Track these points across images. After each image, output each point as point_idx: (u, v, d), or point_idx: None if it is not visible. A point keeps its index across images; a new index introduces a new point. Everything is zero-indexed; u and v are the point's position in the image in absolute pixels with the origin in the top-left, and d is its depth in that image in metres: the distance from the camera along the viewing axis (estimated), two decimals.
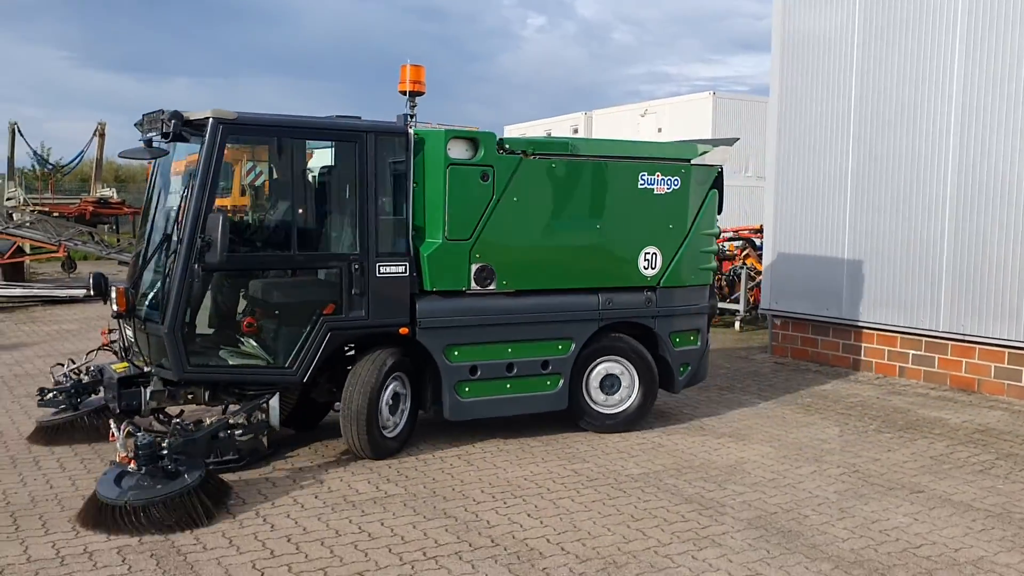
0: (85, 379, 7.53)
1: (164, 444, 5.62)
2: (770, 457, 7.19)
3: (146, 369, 6.68)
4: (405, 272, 6.88)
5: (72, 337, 13.29)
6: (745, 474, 6.74)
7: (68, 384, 7.45)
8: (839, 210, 10.85)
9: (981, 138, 9.35)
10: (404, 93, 7.42)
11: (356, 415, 6.67)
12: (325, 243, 6.98)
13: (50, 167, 33.03)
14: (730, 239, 16.45)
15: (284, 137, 6.78)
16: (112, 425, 5.77)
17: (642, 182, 7.74)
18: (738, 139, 8.74)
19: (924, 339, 10.03)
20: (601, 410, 7.77)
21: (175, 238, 6.48)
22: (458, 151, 7.07)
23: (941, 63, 9.71)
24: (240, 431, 6.39)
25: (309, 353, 6.57)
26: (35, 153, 32.27)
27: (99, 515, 5.33)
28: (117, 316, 6.98)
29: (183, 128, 6.38)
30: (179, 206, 6.65)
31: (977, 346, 9.52)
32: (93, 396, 7.49)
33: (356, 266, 6.67)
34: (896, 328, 10.27)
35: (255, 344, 6.63)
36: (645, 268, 7.82)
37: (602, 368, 7.76)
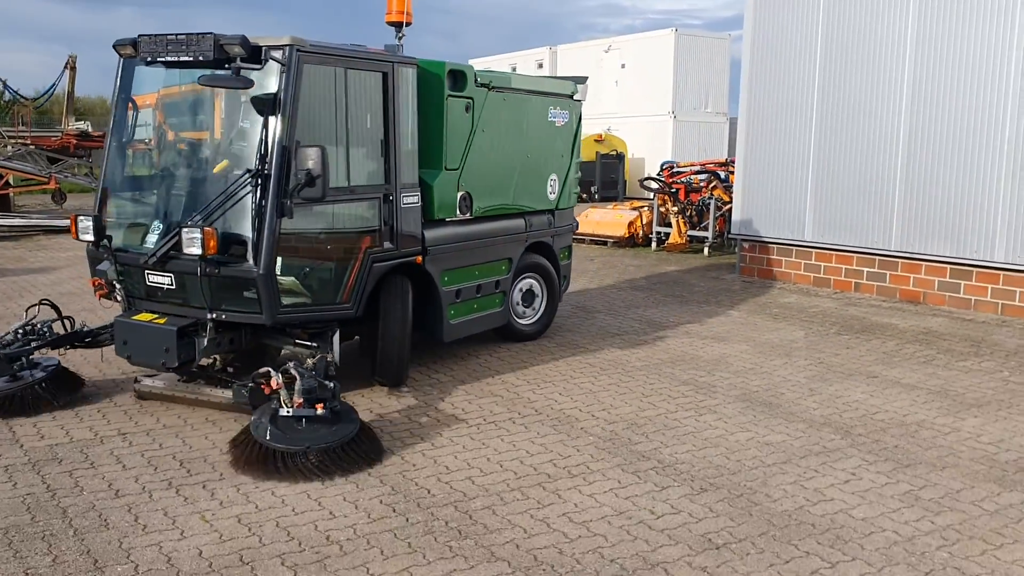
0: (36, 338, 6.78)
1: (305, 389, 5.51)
2: (747, 353, 8.47)
3: (209, 316, 6.12)
4: (419, 202, 7.08)
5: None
6: (728, 364, 8.01)
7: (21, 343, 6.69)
8: (804, 144, 12.06)
9: (931, 80, 10.56)
10: (392, 24, 7.83)
11: (401, 343, 6.94)
12: (366, 175, 6.78)
13: (23, 100, 32.95)
14: (697, 172, 17.66)
15: (348, 68, 6.47)
16: (273, 374, 5.62)
17: (550, 115, 8.61)
18: (587, 77, 9.35)
19: (877, 258, 11.37)
20: (522, 321, 8.71)
21: (244, 173, 6.00)
22: (450, 83, 7.36)
23: (898, 10, 10.86)
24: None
25: (361, 286, 6.57)
26: (5, 86, 32.14)
27: (273, 462, 5.24)
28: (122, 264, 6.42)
29: (242, 55, 5.90)
30: (251, 139, 6.16)
31: (923, 263, 10.87)
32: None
33: (390, 197, 6.77)
34: (852, 248, 11.60)
35: (313, 280, 6.44)
36: (550, 193, 8.71)
37: (523, 284, 8.63)
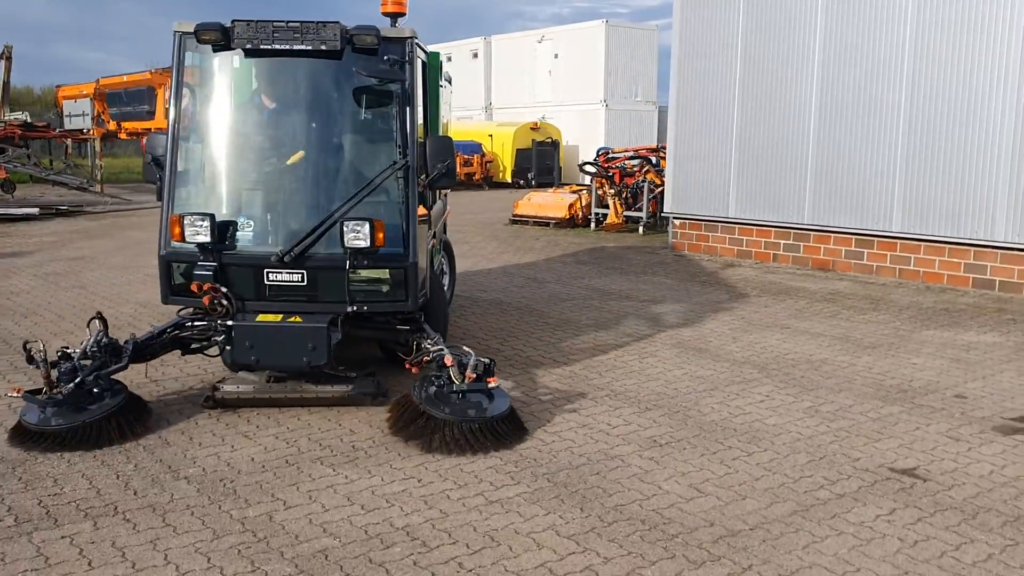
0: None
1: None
2: (679, 311, 9.74)
3: (349, 310, 6.02)
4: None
5: (61, 247, 14.92)
6: (664, 320, 9.26)
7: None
8: (728, 131, 13.38)
9: (837, 67, 11.95)
10: (388, 15, 7.47)
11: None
12: (411, 156, 6.33)
13: None
14: (631, 158, 18.96)
15: (422, 59, 6.55)
16: (446, 352, 5.80)
17: None
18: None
19: (792, 231, 12.77)
20: None
21: (372, 164, 6.14)
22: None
23: (808, 10, 12.23)
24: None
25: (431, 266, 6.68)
26: None
27: (445, 433, 5.48)
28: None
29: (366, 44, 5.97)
30: (382, 128, 6.36)
31: (832, 235, 12.29)
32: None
33: (421, 177, 6.36)
34: (770, 223, 12.98)
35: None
36: None
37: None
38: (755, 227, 13.24)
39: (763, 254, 13.22)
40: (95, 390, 5.69)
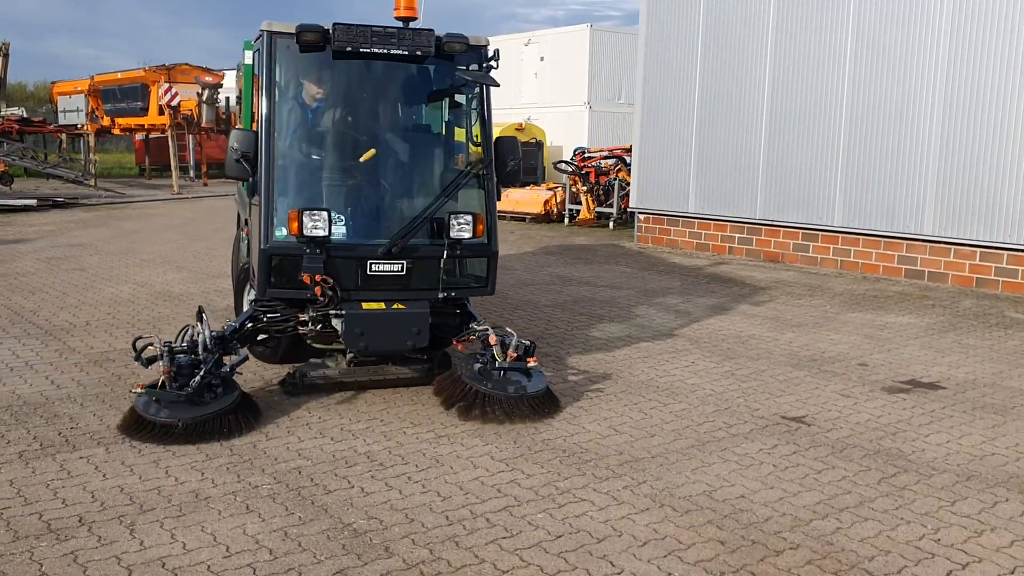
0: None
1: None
2: (632, 296, 10.67)
3: (441, 295, 6.44)
4: None
5: (60, 235, 15.79)
6: (617, 303, 10.19)
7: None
8: (688, 131, 14.32)
9: (787, 69, 12.90)
10: (400, 19, 8.17)
11: None
12: (490, 154, 6.78)
13: None
14: (606, 157, 19.90)
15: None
16: (491, 332, 6.32)
17: None
18: None
19: (745, 225, 13.72)
20: None
21: (478, 163, 6.58)
22: None
23: (759, 15, 13.18)
24: None
25: None
26: None
27: (477, 403, 5.99)
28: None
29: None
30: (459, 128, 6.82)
31: (781, 229, 13.25)
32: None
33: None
34: (726, 218, 13.93)
35: None
36: None
37: None
38: (712, 222, 14.19)
39: (720, 247, 14.16)
40: (213, 384, 5.73)
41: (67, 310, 9.23)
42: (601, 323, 9.10)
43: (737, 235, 13.89)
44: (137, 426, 5.54)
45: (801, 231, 13.00)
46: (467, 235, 6.25)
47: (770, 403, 6.53)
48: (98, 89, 30.95)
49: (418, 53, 6.21)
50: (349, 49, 6.14)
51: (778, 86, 13.03)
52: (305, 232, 5.93)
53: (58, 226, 17.15)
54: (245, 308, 7.13)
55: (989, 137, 10.87)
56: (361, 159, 6.52)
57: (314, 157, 6.67)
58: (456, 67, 6.47)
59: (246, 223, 7.51)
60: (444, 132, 6.94)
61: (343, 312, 6.10)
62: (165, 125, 27.03)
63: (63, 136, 32.29)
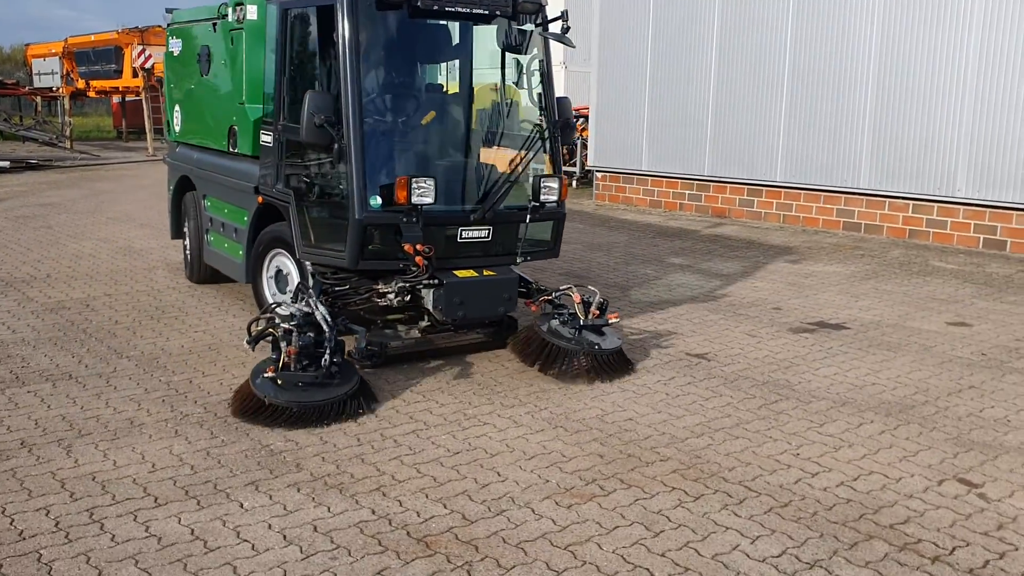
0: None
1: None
2: (578, 249, 11.12)
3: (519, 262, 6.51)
4: None
5: (31, 195, 16.11)
6: (564, 255, 10.59)
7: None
8: (641, 91, 14.70)
9: (733, 33, 13.28)
10: None
11: None
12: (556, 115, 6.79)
13: None
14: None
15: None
16: (575, 291, 6.32)
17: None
18: None
19: (695, 182, 14.16)
20: None
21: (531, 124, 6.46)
22: None
23: None
24: None
25: None
26: None
27: (574, 361, 6.05)
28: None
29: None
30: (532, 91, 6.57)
31: (727, 185, 13.70)
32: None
33: None
34: (677, 175, 14.37)
35: None
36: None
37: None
38: (664, 178, 14.63)
39: (671, 203, 14.61)
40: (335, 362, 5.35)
41: (29, 264, 9.62)
42: (543, 274, 9.55)
43: (687, 192, 14.33)
44: (259, 410, 5.16)
45: (746, 187, 13.45)
46: (554, 198, 6.24)
47: (679, 341, 7.01)
48: (72, 52, 30.96)
49: (497, 13, 6.05)
50: (434, 7, 5.88)
51: (724, 50, 13.41)
52: (413, 200, 5.68)
53: (30, 187, 17.44)
54: (268, 299, 6.90)
55: (920, 97, 11.31)
56: (423, 122, 6.46)
57: (399, 121, 6.46)
58: (538, 28, 6.30)
59: (213, 223, 7.84)
60: (516, 93, 6.76)
61: (441, 281, 5.93)
62: (139, 88, 27.14)
63: (38, 99, 32.34)
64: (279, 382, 5.18)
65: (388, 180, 5.86)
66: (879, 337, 7.24)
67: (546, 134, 6.40)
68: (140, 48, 27.02)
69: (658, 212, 14.57)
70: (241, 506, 4.17)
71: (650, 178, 14.86)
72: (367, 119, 5.98)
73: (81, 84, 30.91)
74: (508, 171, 6.22)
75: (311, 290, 5.72)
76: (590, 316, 6.18)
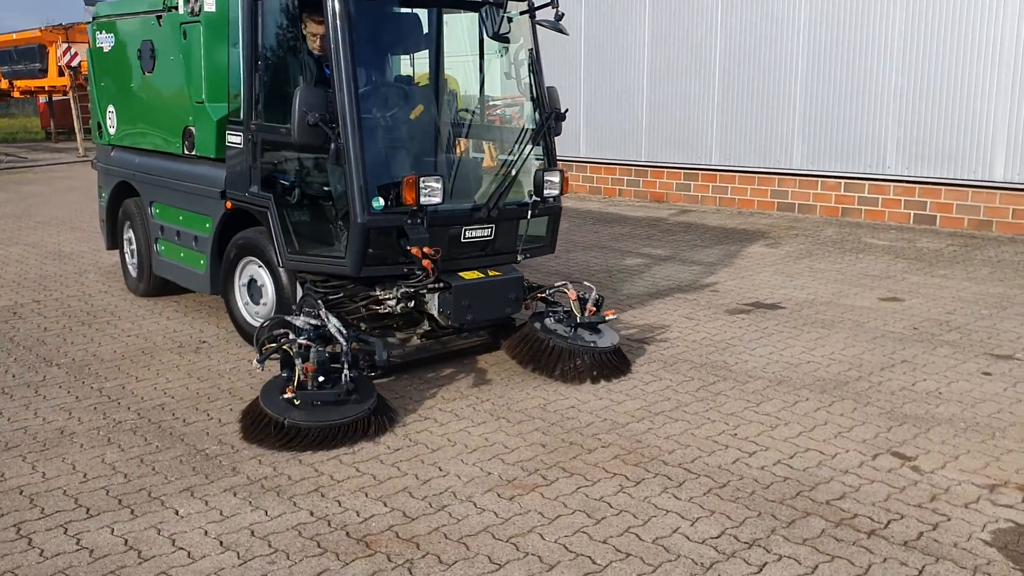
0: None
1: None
2: None
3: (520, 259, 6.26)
4: None
5: None
6: None
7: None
8: (577, 78, 14.72)
9: (666, 23, 13.37)
10: None
11: None
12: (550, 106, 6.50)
13: None
14: (508, 105, 20.19)
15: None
16: (571, 288, 6.08)
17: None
18: None
19: (633, 167, 14.24)
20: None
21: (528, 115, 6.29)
22: None
23: None
24: None
25: None
26: None
27: (560, 359, 5.82)
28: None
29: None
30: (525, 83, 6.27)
31: (664, 170, 13.81)
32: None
33: None
34: (614, 161, 14.44)
35: None
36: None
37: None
38: (602, 165, 14.69)
39: (610, 190, 14.68)
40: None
41: None
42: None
43: (625, 178, 14.41)
44: (277, 433, 4.78)
45: (683, 171, 13.56)
46: (556, 192, 6.02)
47: (618, 327, 7.04)
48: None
49: (489, 1, 5.70)
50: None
51: (657, 37, 13.51)
52: (421, 200, 5.37)
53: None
54: (241, 310, 6.55)
55: (849, 77, 11.50)
56: (411, 115, 6.15)
57: (398, 117, 6.13)
58: (531, 15, 6.13)
59: (166, 231, 7.37)
60: (510, 85, 6.44)
61: (448, 285, 5.64)
62: (66, 86, 26.47)
63: None
64: (296, 402, 4.82)
65: (389, 180, 5.50)
66: (813, 315, 7.35)
67: (539, 126, 6.14)
68: (66, 46, 26.35)
69: (597, 199, 14.62)
70: (176, 513, 4.08)
71: (589, 165, 14.90)
72: (364, 116, 5.57)
73: (4, 84, 30.03)
74: (509, 166, 5.95)
75: (319, 301, 5.39)
76: (586, 313, 5.94)
